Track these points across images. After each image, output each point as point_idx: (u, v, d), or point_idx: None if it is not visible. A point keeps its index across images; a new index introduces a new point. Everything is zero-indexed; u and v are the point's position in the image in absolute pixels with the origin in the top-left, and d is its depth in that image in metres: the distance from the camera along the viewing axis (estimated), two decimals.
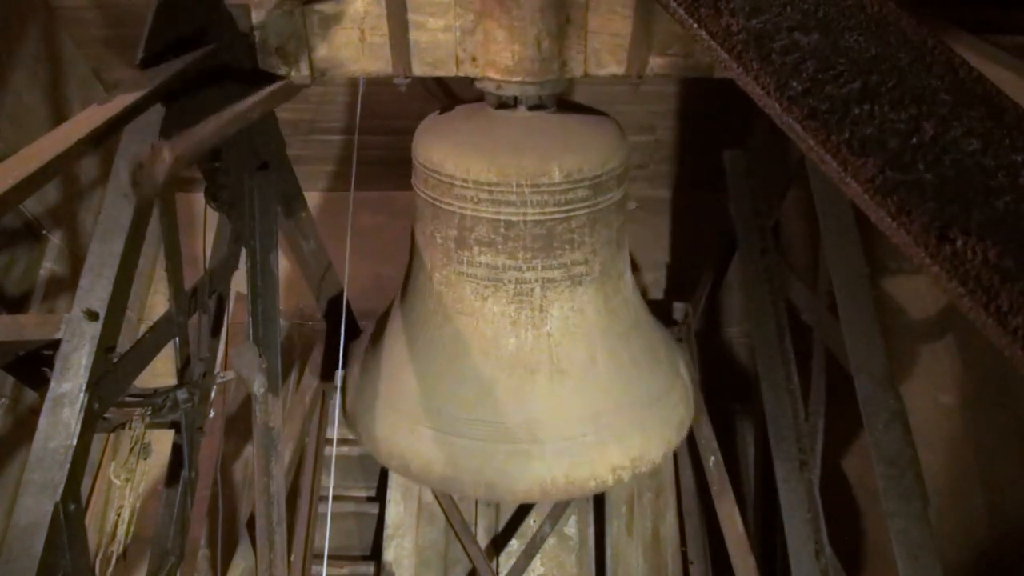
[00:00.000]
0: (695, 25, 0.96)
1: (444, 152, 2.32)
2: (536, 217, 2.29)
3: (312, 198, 3.27)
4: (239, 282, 2.74)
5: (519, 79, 2.16)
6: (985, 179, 0.80)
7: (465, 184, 2.28)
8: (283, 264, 2.90)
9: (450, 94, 3.13)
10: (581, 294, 2.45)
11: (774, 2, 0.93)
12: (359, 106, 2.62)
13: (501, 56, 2.13)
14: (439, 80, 2.64)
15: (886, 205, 0.81)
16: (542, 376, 2.46)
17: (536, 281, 2.39)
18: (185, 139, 1.57)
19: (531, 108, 2.31)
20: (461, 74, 2.25)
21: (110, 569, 2.02)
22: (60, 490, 1.55)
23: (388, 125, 3.25)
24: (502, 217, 2.29)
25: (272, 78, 2.23)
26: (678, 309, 4.08)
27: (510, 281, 2.39)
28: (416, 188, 2.48)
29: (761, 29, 0.92)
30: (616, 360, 2.55)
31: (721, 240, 3.62)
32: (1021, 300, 0.74)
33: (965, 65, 0.87)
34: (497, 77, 2.18)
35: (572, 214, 2.32)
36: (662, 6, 1.03)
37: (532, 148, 2.28)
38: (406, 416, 2.56)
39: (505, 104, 2.32)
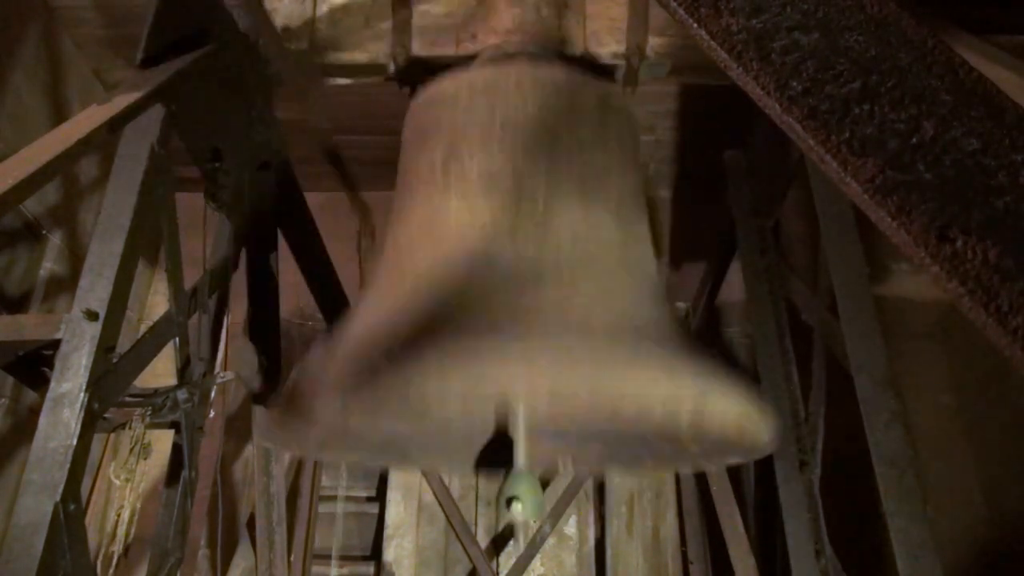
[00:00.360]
0: (695, 25, 0.96)
1: (437, 82, 2.14)
2: (538, 109, 1.98)
3: (312, 198, 3.27)
4: (239, 282, 2.74)
5: (519, 38, 2.15)
6: (985, 179, 0.80)
7: (459, 90, 2.05)
8: (283, 264, 2.90)
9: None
10: (597, 217, 2.03)
11: (774, 2, 0.93)
12: (357, 106, 2.62)
13: (501, 22, 2.14)
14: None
15: (886, 205, 0.81)
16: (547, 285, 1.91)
17: (539, 188, 1.98)
18: None
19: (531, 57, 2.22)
20: (461, 52, 2.26)
21: (111, 569, 2.03)
22: (60, 490, 1.55)
23: (388, 125, 3.25)
24: (499, 112, 1.98)
25: (272, 79, 2.24)
26: (678, 309, 4.08)
27: (507, 188, 1.98)
28: (403, 150, 2.26)
29: (761, 29, 0.92)
30: (640, 294, 2.06)
31: (721, 240, 3.62)
32: (1021, 300, 0.74)
33: (965, 65, 0.87)
34: (497, 40, 2.17)
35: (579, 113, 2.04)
36: (662, 6, 1.03)
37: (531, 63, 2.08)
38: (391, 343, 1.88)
39: (507, 56, 2.20)
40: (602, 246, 1.98)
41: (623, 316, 1.87)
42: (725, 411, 1.74)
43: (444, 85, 2.10)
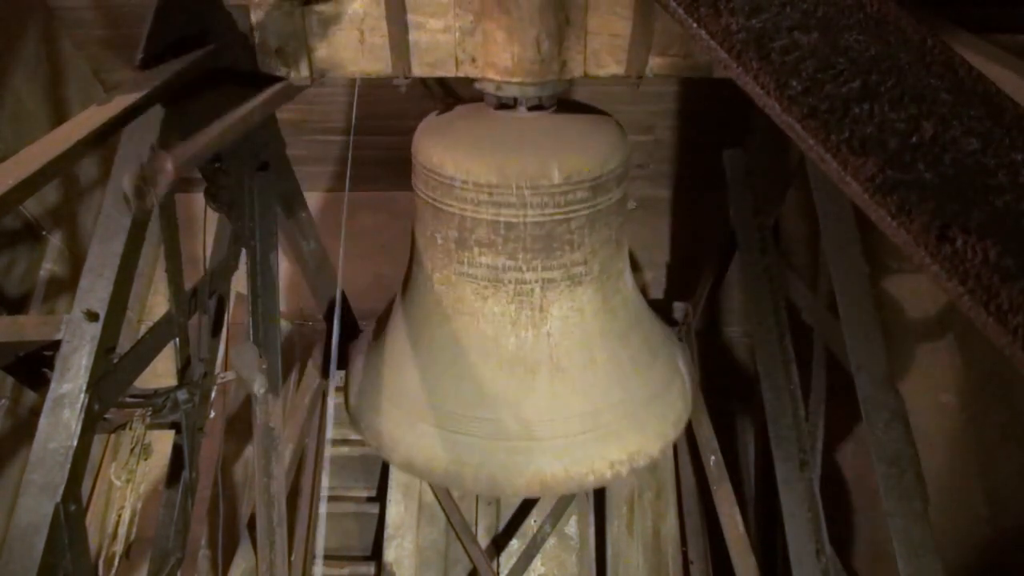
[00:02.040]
0: (695, 25, 0.96)
1: (444, 153, 2.32)
2: (536, 219, 2.30)
3: (312, 198, 3.28)
4: (239, 282, 2.74)
5: (519, 80, 2.16)
6: (985, 178, 0.80)
7: (465, 186, 2.28)
8: (283, 264, 2.90)
9: (451, 93, 3.13)
10: (580, 294, 2.46)
11: (774, 2, 0.93)
12: (355, 106, 2.61)
13: (500, 57, 2.13)
14: (440, 79, 2.63)
15: (886, 204, 0.81)
16: (542, 375, 2.48)
17: (536, 281, 2.40)
18: (186, 148, 1.57)
19: (531, 108, 2.31)
20: (460, 74, 2.26)
21: (112, 570, 2.02)
22: (60, 491, 1.55)
23: (388, 125, 3.25)
24: (502, 219, 2.30)
25: (272, 79, 2.23)
26: (678, 309, 4.08)
27: (510, 281, 2.40)
28: (416, 189, 2.49)
29: (761, 29, 0.92)
30: (615, 358, 2.57)
31: (721, 240, 3.62)
32: (1021, 299, 0.74)
33: (965, 65, 0.87)
34: (497, 78, 2.18)
35: (572, 215, 2.32)
36: (661, 6, 1.03)
37: (532, 149, 2.28)
38: (409, 413, 2.58)
39: (505, 105, 2.32)
40: (584, 320, 2.48)
41: (594, 398, 2.52)
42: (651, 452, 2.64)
43: (451, 168, 2.30)
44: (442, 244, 2.44)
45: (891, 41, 0.89)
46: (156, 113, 1.85)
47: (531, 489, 2.53)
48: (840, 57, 0.89)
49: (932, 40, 0.88)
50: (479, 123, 2.38)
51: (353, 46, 2.23)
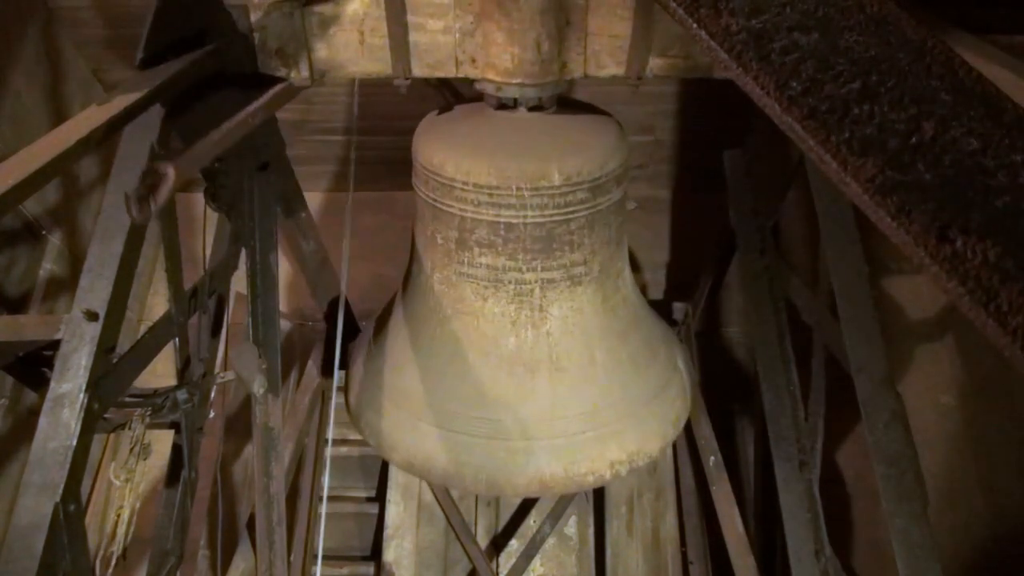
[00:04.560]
0: (695, 25, 0.96)
1: (444, 154, 2.32)
2: (536, 219, 2.30)
3: (312, 198, 3.27)
4: (239, 282, 2.74)
5: (518, 81, 2.16)
6: (985, 179, 0.80)
7: (465, 187, 2.28)
8: (283, 264, 2.90)
9: (452, 92, 3.13)
10: (580, 294, 2.47)
11: (774, 2, 0.93)
12: (356, 106, 2.61)
13: (500, 58, 2.13)
14: (441, 79, 2.63)
15: (886, 205, 0.81)
16: (542, 374, 2.48)
17: (536, 282, 2.40)
18: (187, 156, 1.57)
19: (531, 109, 2.31)
20: (460, 75, 2.25)
21: (110, 570, 2.02)
22: (60, 491, 1.55)
23: (388, 125, 3.25)
24: (502, 219, 2.30)
25: (272, 80, 2.23)
26: (678, 309, 4.08)
27: (510, 282, 2.40)
28: (416, 189, 2.49)
29: (761, 29, 0.92)
30: (614, 358, 2.57)
31: (721, 240, 3.62)
32: (1021, 300, 0.74)
33: (965, 65, 0.87)
34: (497, 79, 2.18)
35: (571, 216, 2.33)
36: (662, 6, 1.03)
37: (531, 151, 2.28)
38: (409, 413, 2.59)
39: (505, 105, 2.32)
40: (584, 319, 2.49)
41: (595, 398, 2.53)
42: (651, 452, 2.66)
43: (451, 165, 2.30)
44: (442, 244, 2.44)
45: (891, 42, 0.89)
46: (156, 113, 1.85)
47: (530, 489, 2.54)
48: (840, 58, 0.89)
49: (932, 41, 0.88)
50: (479, 124, 2.38)
51: (353, 47, 2.23)
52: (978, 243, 0.77)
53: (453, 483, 2.77)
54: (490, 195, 2.27)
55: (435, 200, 2.39)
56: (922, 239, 0.79)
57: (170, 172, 1.33)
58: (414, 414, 2.58)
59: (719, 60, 0.95)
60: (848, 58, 0.89)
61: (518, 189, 2.25)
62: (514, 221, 2.30)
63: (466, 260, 2.41)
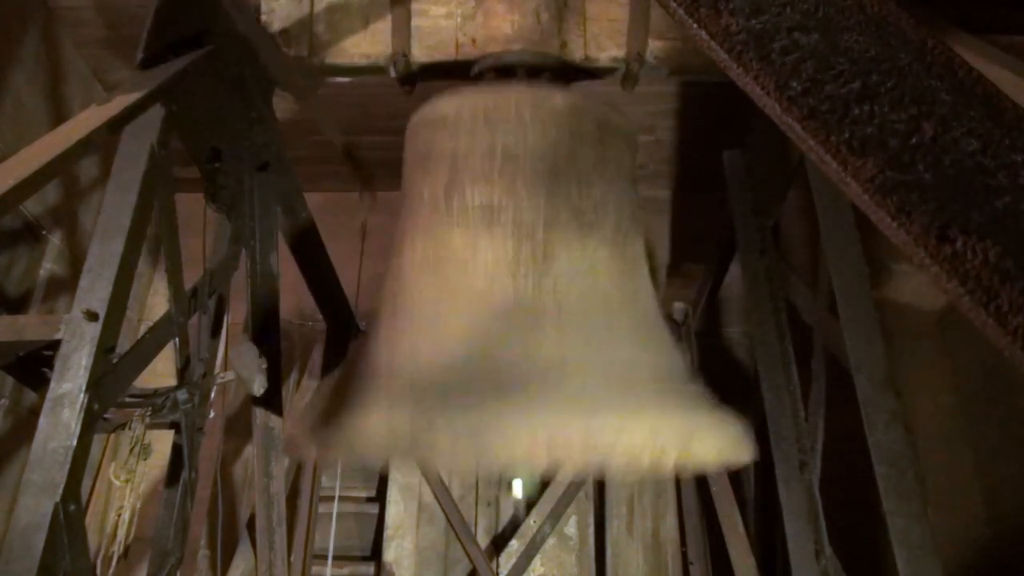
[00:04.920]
0: (695, 26, 0.96)
1: (438, 101, 2.17)
2: (538, 143, 2.03)
3: (312, 198, 3.27)
4: (239, 282, 2.74)
5: (519, 47, 2.16)
6: (985, 179, 0.80)
7: (459, 117, 2.08)
8: (283, 264, 2.90)
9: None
10: (594, 249, 2.10)
11: (774, 2, 0.93)
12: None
13: (501, 28, 2.14)
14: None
15: (886, 205, 0.81)
16: (547, 327, 2.05)
17: (538, 223, 2.03)
18: None
19: (530, 77, 2.25)
20: (461, 57, 2.26)
21: (111, 570, 2.02)
22: (60, 490, 1.55)
23: (388, 125, 3.25)
24: (499, 145, 2.03)
25: (271, 79, 2.24)
26: (678, 309, 4.08)
27: (507, 223, 2.04)
28: (405, 162, 2.30)
29: (761, 29, 0.92)
30: (633, 322, 2.16)
31: (721, 240, 3.62)
32: (1021, 300, 0.74)
33: (965, 65, 0.87)
34: (497, 48, 2.17)
35: (578, 148, 2.07)
36: (661, 5, 1.03)
37: (530, 87, 2.14)
38: (401, 396, 2.10)
39: (504, 75, 2.26)
40: (598, 281, 2.06)
41: (617, 359, 2.00)
42: (708, 451, 1.93)
43: (445, 108, 2.12)
44: (429, 198, 2.13)
45: (891, 42, 0.89)
46: (156, 113, 1.85)
47: (538, 456, 1.97)
48: (840, 58, 0.89)
49: (932, 41, 0.88)
50: (475, 87, 2.26)
51: (356, 30, 2.25)
52: (978, 243, 0.77)
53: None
54: (486, 116, 2.05)
55: (426, 152, 2.15)
56: (922, 239, 0.79)
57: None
58: (404, 398, 2.06)
59: (719, 60, 0.95)
60: (848, 58, 0.89)
61: (518, 107, 2.03)
62: (512, 146, 2.02)
63: (455, 206, 2.06)
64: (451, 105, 2.11)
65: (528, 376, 1.89)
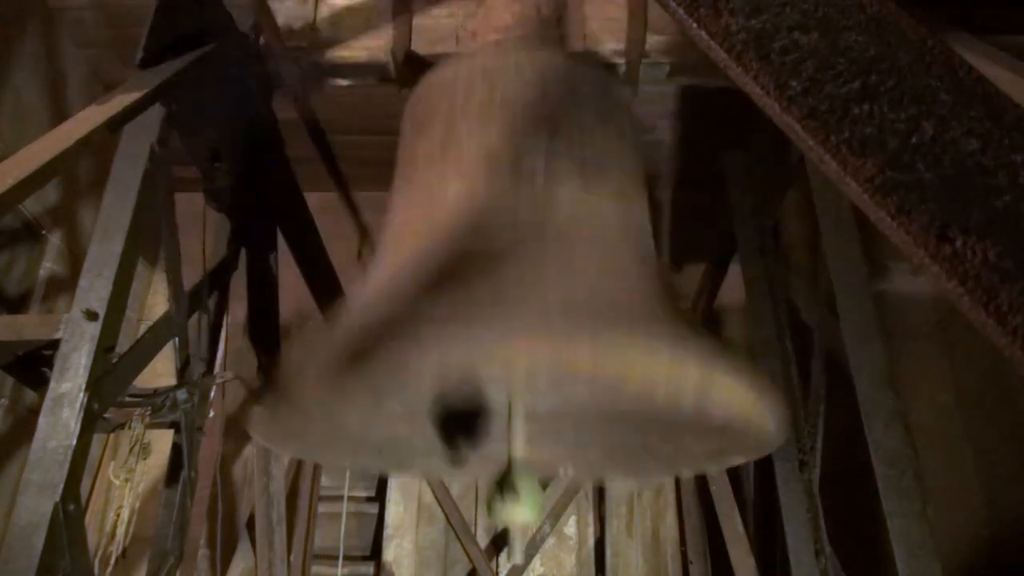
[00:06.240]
0: (695, 25, 0.96)
1: (435, 70, 2.09)
2: (537, 93, 1.95)
3: (312, 198, 3.27)
4: (239, 282, 2.74)
5: (519, 33, 2.13)
6: (985, 179, 0.80)
7: (457, 75, 2.01)
8: (283, 264, 2.90)
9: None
10: (597, 202, 1.95)
11: (774, 2, 0.93)
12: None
13: (501, 19, 2.12)
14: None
15: (886, 205, 0.81)
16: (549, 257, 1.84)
17: (540, 170, 1.90)
18: None
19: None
20: (461, 49, 2.27)
21: (109, 569, 2.02)
22: (60, 490, 1.55)
23: (388, 125, 3.25)
24: (498, 93, 1.92)
25: (270, 79, 2.25)
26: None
27: (507, 171, 1.91)
28: (401, 141, 2.20)
29: (760, 29, 0.92)
30: (644, 276, 1.96)
31: (721, 240, 3.62)
32: (1021, 300, 0.74)
33: (965, 65, 0.87)
34: (498, 37, 2.15)
35: (579, 96, 2.00)
36: (661, 5, 1.03)
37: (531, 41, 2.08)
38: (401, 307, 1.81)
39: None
40: (603, 225, 1.91)
41: (627, 291, 1.79)
42: (731, 391, 1.66)
43: (443, 71, 2.05)
44: (424, 154, 2.02)
45: (891, 41, 0.89)
46: (156, 113, 1.85)
47: (538, 354, 1.83)
48: (840, 57, 0.89)
49: (932, 40, 0.88)
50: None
51: (357, 26, 2.25)
52: (978, 243, 0.77)
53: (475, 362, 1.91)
54: (484, 69, 1.97)
55: (425, 112, 2.06)
56: (922, 239, 0.79)
57: None
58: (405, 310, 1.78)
59: (719, 60, 0.95)
60: (848, 58, 0.89)
61: (517, 60, 1.96)
62: (510, 89, 1.93)
63: (451, 157, 1.93)
64: (450, 68, 2.03)
65: (533, 301, 1.63)
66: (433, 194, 1.92)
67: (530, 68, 1.92)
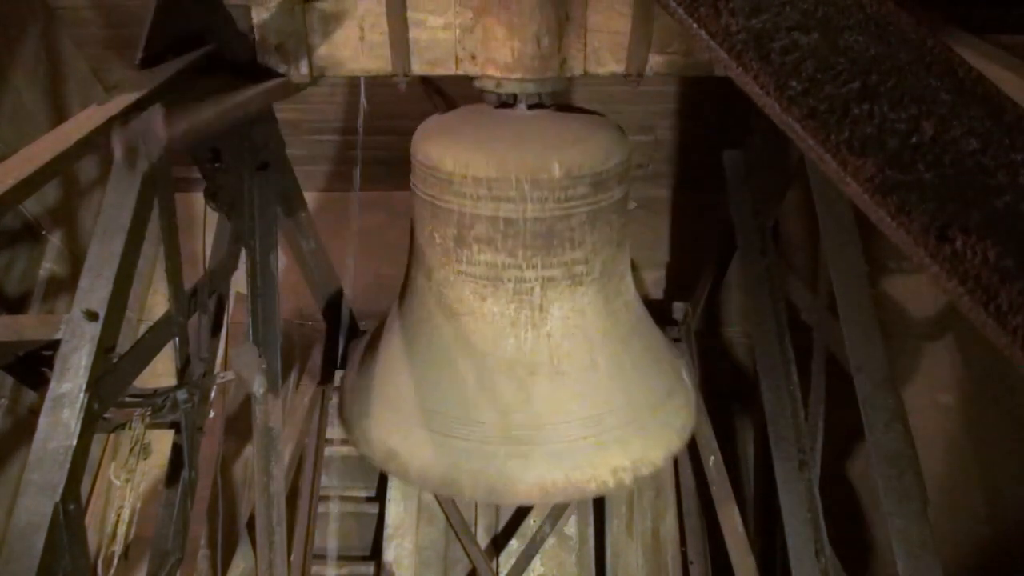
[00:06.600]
0: (695, 25, 0.96)
1: (443, 149, 2.30)
2: (536, 214, 2.26)
3: (312, 198, 3.28)
4: (239, 282, 2.74)
5: (519, 76, 2.16)
6: (985, 179, 0.80)
7: (464, 180, 2.25)
8: (283, 264, 2.90)
9: (452, 105, 3.13)
10: (582, 295, 2.43)
11: (774, 2, 0.93)
12: (363, 101, 2.61)
13: (500, 53, 2.13)
14: (440, 91, 2.64)
15: (886, 205, 0.81)
16: (542, 377, 2.45)
17: (536, 280, 2.36)
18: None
19: (531, 107, 2.31)
20: (460, 72, 2.25)
21: (111, 570, 2.02)
22: (60, 490, 1.55)
23: (388, 125, 3.25)
24: (501, 214, 2.26)
25: (271, 77, 2.24)
26: (678, 309, 4.08)
27: (509, 280, 2.36)
28: (414, 188, 2.48)
29: (760, 29, 0.92)
30: (617, 363, 2.53)
31: (721, 240, 3.62)
32: (1021, 300, 0.74)
33: (965, 65, 0.87)
34: (497, 74, 2.17)
35: (572, 211, 2.29)
36: (662, 6, 1.03)
37: (532, 143, 2.25)
38: (404, 418, 2.53)
39: (505, 103, 2.31)
40: (585, 322, 2.44)
41: (601, 401, 2.47)
42: (656, 458, 2.54)
43: (450, 164, 2.26)
44: (440, 243, 2.41)
45: (891, 41, 0.89)
46: (156, 113, 1.85)
47: (531, 496, 2.46)
48: (840, 57, 0.89)
49: (932, 40, 0.88)
50: (479, 120, 2.36)
51: (353, 44, 2.23)
52: (978, 243, 0.77)
53: (451, 490, 2.67)
54: (489, 188, 2.22)
55: (433, 197, 2.35)
56: (922, 239, 0.79)
57: (160, 124, 1.32)
58: (409, 418, 2.51)
59: (719, 60, 0.95)
60: (848, 58, 0.89)
61: (518, 181, 2.20)
62: (514, 216, 2.26)
63: (464, 258, 2.36)
64: (457, 164, 2.25)
65: (525, 421, 2.41)
66: (451, 294, 2.43)
67: (529, 186, 2.22)
